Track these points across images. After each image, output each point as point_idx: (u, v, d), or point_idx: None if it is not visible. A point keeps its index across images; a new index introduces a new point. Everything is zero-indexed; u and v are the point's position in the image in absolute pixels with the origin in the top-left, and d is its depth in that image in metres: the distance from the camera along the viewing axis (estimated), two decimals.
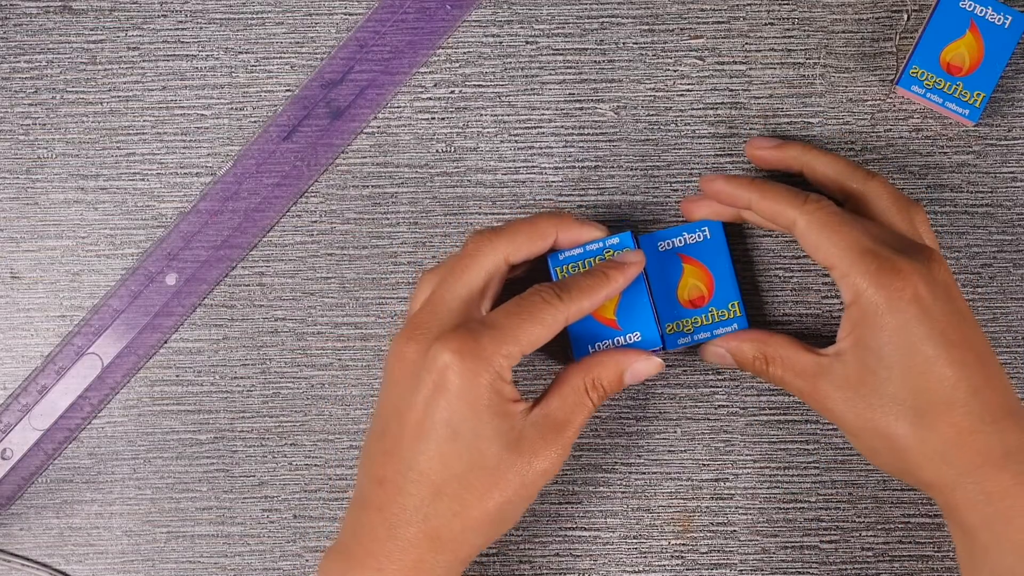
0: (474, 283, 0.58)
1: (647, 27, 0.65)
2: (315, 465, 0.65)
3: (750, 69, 0.65)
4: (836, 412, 0.57)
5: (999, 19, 0.62)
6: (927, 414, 0.55)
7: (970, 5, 0.62)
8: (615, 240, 0.61)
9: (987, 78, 0.63)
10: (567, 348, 0.61)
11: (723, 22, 0.65)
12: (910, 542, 0.65)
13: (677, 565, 0.65)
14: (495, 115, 0.65)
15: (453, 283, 0.57)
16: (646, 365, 0.59)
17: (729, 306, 0.62)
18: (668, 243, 0.62)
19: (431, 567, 0.55)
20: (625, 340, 0.61)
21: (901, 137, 0.65)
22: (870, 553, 0.65)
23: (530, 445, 0.56)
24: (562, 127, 0.65)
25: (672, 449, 0.65)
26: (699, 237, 0.62)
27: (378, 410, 0.58)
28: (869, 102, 0.65)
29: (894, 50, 0.65)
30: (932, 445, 0.55)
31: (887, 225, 0.58)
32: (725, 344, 0.61)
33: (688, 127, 0.65)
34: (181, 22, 0.66)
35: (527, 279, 0.61)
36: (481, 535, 0.56)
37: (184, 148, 0.66)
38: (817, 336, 0.65)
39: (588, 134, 0.65)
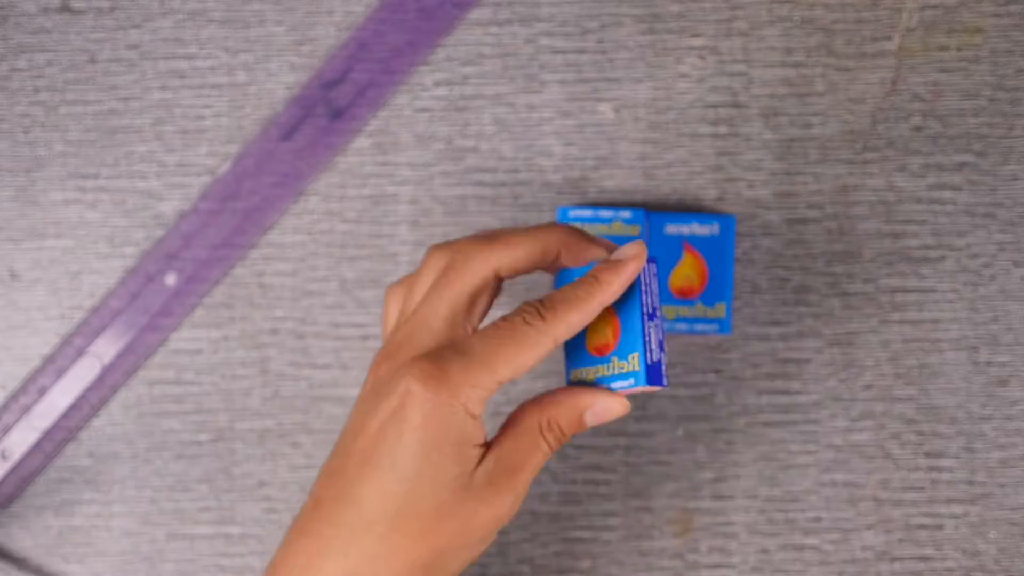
0: (459, 300, 0.51)
1: (647, 27, 0.65)
2: (315, 465, 0.65)
3: (750, 69, 0.65)
4: None
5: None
6: None
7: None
8: (627, 214, 0.61)
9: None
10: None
11: (723, 21, 0.65)
12: (910, 542, 0.65)
13: (677, 565, 0.65)
14: (495, 115, 0.65)
15: (435, 300, 0.51)
16: (607, 405, 0.52)
17: (716, 306, 0.62)
18: (676, 228, 0.63)
19: None
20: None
21: (901, 136, 0.65)
22: (870, 553, 0.65)
23: (477, 492, 0.50)
24: (562, 127, 0.65)
25: (672, 449, 0.65)
26: (709, 231, 0.63)
27: (344, 426, 0.55)
28: (869, 102, 0.65)
29: (895, 50, 0.65)
30: None
31: None
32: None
33: (688, 127, 0.65)
34: (181, 22, 0.66)
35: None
36: None
37: (184, 148, 0.66)
38: (816, 335, 0.65)
39: (588, 134, 0.65)
